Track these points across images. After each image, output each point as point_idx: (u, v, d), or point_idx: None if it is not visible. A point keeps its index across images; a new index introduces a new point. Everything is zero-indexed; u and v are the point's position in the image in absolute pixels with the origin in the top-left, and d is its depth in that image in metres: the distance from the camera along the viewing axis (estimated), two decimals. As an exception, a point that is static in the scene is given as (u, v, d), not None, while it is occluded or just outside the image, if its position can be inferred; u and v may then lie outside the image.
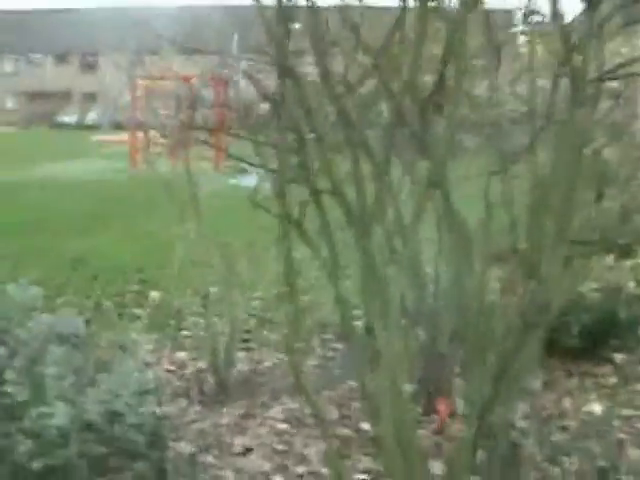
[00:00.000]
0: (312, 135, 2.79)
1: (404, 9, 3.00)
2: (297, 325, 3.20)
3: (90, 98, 67.57)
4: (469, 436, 3.21)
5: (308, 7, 2.71)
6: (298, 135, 2.73)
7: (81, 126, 58.22)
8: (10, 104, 69.30)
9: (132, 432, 2.97)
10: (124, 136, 33.71)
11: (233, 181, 13.00)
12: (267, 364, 5.84)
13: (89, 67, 70.93)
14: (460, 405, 4.60)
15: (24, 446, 2.74)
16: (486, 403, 3.25)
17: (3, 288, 3.78)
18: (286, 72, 2.66)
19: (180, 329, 6.63)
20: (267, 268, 7.24)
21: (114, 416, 2.95)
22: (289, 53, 2.68)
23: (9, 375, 3.10)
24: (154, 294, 7.76)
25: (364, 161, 2.98)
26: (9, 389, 2.90)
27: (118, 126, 46.30)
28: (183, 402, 5.02)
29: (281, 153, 2.80)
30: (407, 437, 3.12)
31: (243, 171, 4.43)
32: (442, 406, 4.58)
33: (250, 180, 4.75)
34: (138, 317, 6.94)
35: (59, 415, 2.76)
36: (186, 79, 23.89)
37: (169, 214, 12.62)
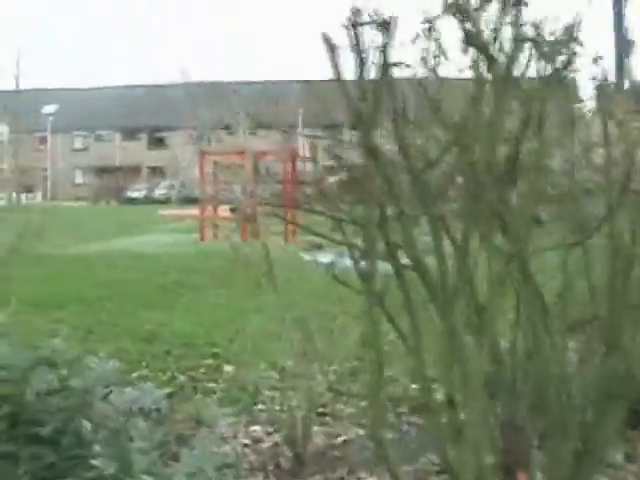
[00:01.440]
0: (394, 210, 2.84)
1: (481, 83, 3.05)
2: (378, 398, 3.20)
3: (158, 173, 68.70)
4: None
5: (387, 81, 2.77)
6: (381, 211, 2.77)
7: (150, 200, 59.09)
8: (79, 179, 70.64)
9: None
10: (191, 211, 34.24)
11: (308, 257, 13.00)
12: (343, 438, 5.82)
13: (157, 142, 72.20)
14: (539, 478, 4.55)
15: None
16: (567, 476, 3.22)
17: (85, 362, 3.84)
18: (371, 150, 2.71)
19: (255, 403, 6.63)
20: (342, 341, 7.24)
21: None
22: (374, 131, 2.73)
23: (95, 449, 3.15)
24: (227, 368, 7.78)
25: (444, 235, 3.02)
26: (97, 462, 2.94)
27: (187, 201, 47.05)
28: (260, 476, 5.02)
29: (367, 229, 2.84)
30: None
31: (315, 247, 4.46)
32: (522, 478, 4.52)
33: (326, 257, 4.79)
34: (213, 391, 6.95)
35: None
36: (255, 154, 24.29)
37: (238, 288, 12.76)
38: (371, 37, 2.90)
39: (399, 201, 2.84)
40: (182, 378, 7.43)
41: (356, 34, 2.76)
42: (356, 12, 2.72)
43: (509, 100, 3.17)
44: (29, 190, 59.33)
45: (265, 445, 5.63)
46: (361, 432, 5.89)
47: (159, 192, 63.76)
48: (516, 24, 2.94)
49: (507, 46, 3.10)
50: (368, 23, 2.71)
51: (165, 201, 54.17)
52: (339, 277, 3.57)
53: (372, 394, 3.26)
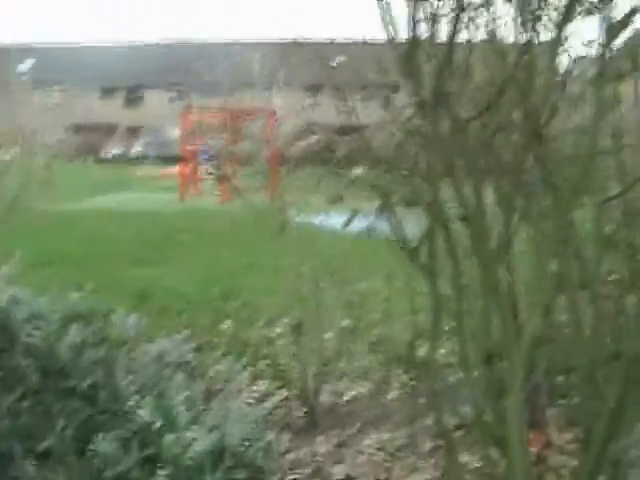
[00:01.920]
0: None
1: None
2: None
3: (134, 132, 68.17)
4: (588, 466, 3.19)
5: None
6: (448, 163, 2.75)
7: (126, 159, 58.59)
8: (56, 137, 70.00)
9: (260, 457, 2.98)
10: (170, 169, 34.04)
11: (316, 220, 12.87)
12: (349, 395, 5.82)
13: (134, 101, 71.59)
14: (555, 436, 4.57)
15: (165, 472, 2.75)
16: (606, 433, 3.22)
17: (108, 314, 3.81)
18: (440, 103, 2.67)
19: (257, 359, 6.61)
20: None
21: (246, 442, 2.96)
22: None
23: (135, 401, 3.12)
24: (227, 324, 7.75)
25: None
26: (142, 414, 2.91)
27: (163, 159, 46.74)
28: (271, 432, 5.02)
29: (433, 186, 2.81)
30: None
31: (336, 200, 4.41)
32: (539, 437, 4.54)
33: (335, 220, 4.75)
34: (215, 346, 6.92)
35: (201, 441, 2.77)
36: (235, 113, 24.17)
37: (226, 245, 12.69)
38: None
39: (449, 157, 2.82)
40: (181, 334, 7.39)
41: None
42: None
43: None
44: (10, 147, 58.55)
45: (273, 401, 5.62)
46: (363, 390, 5.92)
47: (135, 150, 63.26)
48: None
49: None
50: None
51: (141, 159, 53.73)
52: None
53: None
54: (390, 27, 2.85)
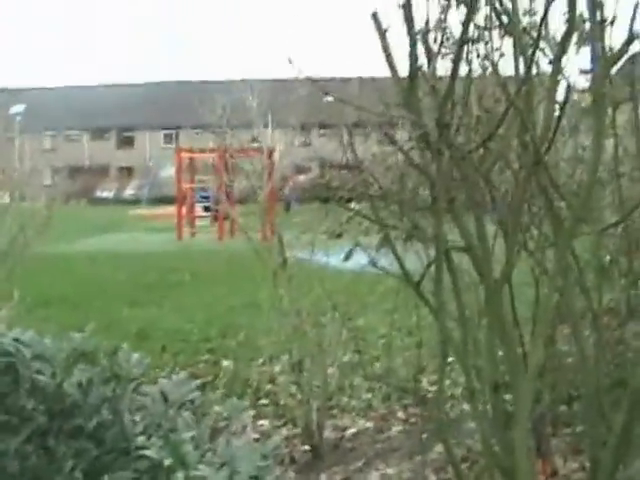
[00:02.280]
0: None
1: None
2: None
3: (127, 173, 68.34)
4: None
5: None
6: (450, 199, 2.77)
7: (119, 200, 58.71)
8: (49, 180, 69.98)
9: (270, 496, 2.96)
10: (162, 210, 34.10)
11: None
12: (352, 430, 5.81)
13: (126, 142, 71.82)
14: (560, 465, 4.57)
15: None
16: (613, 461, 3.22)
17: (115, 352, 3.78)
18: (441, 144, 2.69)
19: (258, 398, 6.61)
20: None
21: (254, 478, 2.95)
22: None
23: (139, 440, 3.10)
24: (225, 363, 7.75)
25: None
26: (151, 453, 2.90)
27: (156, 200, 46.82)
28: (277, 469, 4.99)
29: (438, 219, 2.83)
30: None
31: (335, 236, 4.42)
32: (544, 466, 4.53)
33: (334, 257, 4.76)
34: (215, 387, 6.92)
35: (210, 478, 2.76)
36: (231, 151, 24.19)
37: (223, 284, 12.67)
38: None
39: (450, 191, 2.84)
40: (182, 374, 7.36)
41: (409, 12, 2.74)
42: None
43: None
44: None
45: (276, 439, 5.60)
46: (367, 425, 5.91)
47: (128, 192, 63.37)
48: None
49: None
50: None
51: (134, 201, 53.84)
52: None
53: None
54: (391, 61, 2.88)
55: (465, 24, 2.72)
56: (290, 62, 2.82)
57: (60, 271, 15.85)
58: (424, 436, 5.35)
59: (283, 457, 5.18)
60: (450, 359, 3.56)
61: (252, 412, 6.22)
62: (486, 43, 3.06)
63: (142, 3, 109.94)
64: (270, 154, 23.59)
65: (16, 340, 3.51)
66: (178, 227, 25.38)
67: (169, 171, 39.59)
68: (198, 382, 3.85)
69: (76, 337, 3.74)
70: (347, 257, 3.82)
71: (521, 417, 2.97)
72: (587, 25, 3.24)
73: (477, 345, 3.23)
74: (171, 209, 29.21)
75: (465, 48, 2.99)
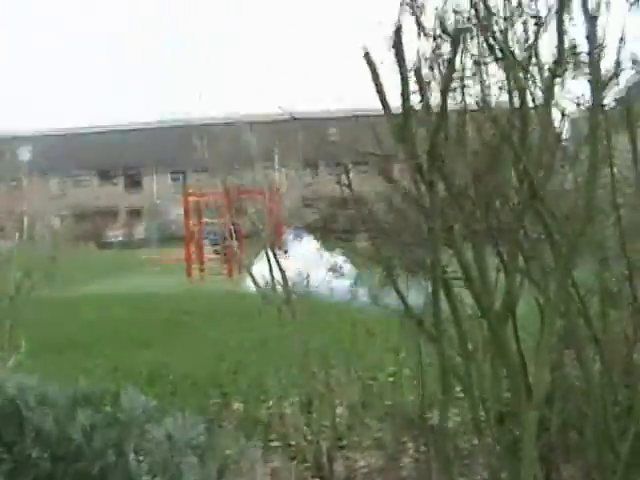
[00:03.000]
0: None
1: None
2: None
3: (136, 215, 68.51)
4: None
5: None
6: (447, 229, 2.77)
7: (128, 243, 58.80)
8: (57, 224, 70.11)
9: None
10: (172, 253, 34.15)
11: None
12: (363, 468, 5.77)
13: (134, 185, 72.07)
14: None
15: None
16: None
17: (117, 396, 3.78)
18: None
19: (269, 440, 6.56)
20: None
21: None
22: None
23: (145, 482, 3.10)
24: (237, 405, 7.70)
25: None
26: (155, 498, 2.90)
27: (166, 242, 46.90)
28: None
29: (433, 249, 2.83)
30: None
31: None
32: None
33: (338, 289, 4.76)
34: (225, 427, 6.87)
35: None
36: (236, 192, 24.27)
37: (233, 323, 12.64)
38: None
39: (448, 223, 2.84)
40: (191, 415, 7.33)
41: (401, 52, 2.76)
42: (399, 29, 2.72)
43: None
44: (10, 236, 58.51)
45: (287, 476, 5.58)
46: (378, 461, 5.87)
47: (137, 235, 63.53)
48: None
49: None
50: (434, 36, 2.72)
51: (144, 243, 53.91)
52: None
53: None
54: (384, 99, 2.89)
55: (451, 60, 2.73)
56: (281, 108, 2.83)
57: (69, 315, 15.85)
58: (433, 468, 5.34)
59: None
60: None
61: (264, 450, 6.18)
62: (474, 75, 3.07)
63: (140, 44, 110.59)
64: (274, 193, 23.65)
65: (20, 385, 3.51)
66: (188, 268, 25.39)
67: (177, 211, 39.70)
68: (204, 424, 3.86)
69: (80, 381, 3.74)
70: (352, 297, 3.83)
71: (527, 446, 2.96)
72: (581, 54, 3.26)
73: (481, 376, 3.22)
74: (179, 252, 29.27)
75: (458, 81, 3.00)
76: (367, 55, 2.83)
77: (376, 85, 2.85)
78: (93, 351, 11.50)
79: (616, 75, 2.92)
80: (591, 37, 2.89)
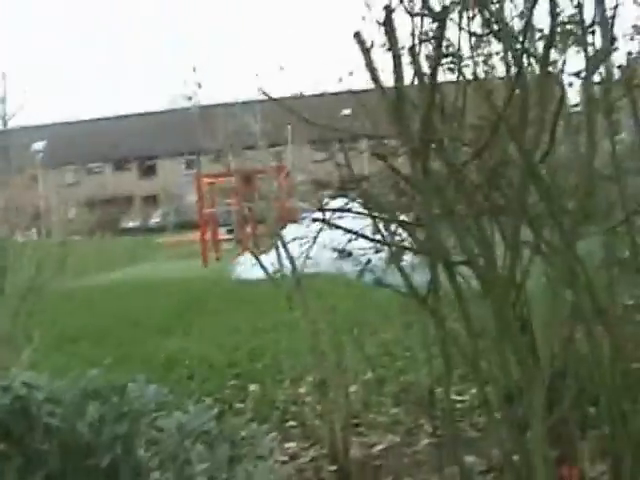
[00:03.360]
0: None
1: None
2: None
3: (151, 201, 68.64)
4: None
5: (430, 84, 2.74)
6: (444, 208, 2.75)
7: (145, 230, 58.99)
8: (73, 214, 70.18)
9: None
10: (187, 236, 34.22)
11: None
12: (380, 447, 5.76)
13: (148, 171, 72.18)
14: (588, 470, 4.50)
15: None
16: (634, 463, 3.18)
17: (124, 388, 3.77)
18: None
19: (285, 420, 6.58)
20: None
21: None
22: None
23: (154, 476, 3.10)
24: (252, 387, 7.73)
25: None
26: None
27: (182, 226, 47.02)
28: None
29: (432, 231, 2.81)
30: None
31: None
32: (572, 472, 4.46)
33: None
34: (241, 411, 6.89)
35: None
36: (246, 174, 24.28)
37: (249, 307, 12.66)
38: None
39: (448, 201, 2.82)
40: (208, 401, 7.36)
41: (392, 31, 2.73)
42: (390, 9, 2.69)
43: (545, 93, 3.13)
44: (26, 229, 58.71)
45: (303, 460, 5.58)
46: (397, 439, 5.87)
47: (153, 220, 63.75)
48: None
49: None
50: (421, 14, 2.69)
51: (160, 229, 54.06)
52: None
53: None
54: (376, 77, 2.86)
55: (439, 36, 2.70)
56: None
57: (86, 305, 15.89)
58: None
59: (310, 478, 5.17)
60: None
61: (281, 434, 6.19)
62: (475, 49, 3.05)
63: (152, 31, 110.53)
64: (282, 172, 23.60)
65: (29, 383, 3.51)
66: (203, 253, 25.41)
67: (193, 197, 39.73)
68: (215, 411, 3.85)
69: (90, 374, 3.73)
70: (360, 276, 3.81)
71: (535, 423, 2.94)
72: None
73: (489, 354, 3.20)
74: (194, 235, 29.29)
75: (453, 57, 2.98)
76: (357, 34, 2.80)
77: (368, 64, 2.83)
78: (109, 340, 11.53)
79: (608, 52, 2.89)
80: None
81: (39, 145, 67.09)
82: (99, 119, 73.09)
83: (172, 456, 3.27)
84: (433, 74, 2.74)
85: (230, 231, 28.63)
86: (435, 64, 2.72)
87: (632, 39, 3.21)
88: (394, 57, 2.78)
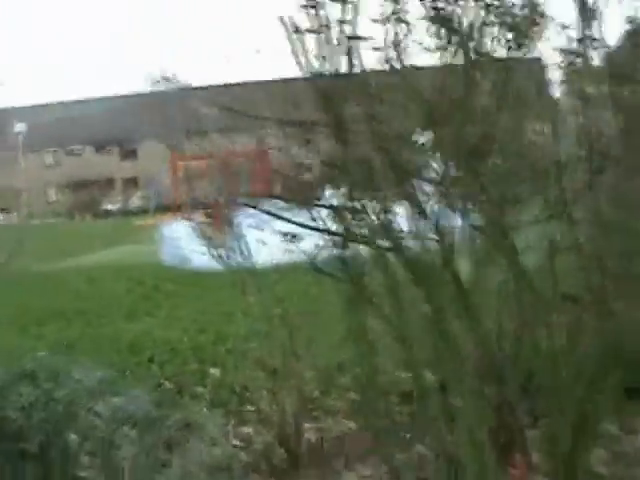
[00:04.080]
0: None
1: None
2: (370, 389, 3.15)
3: (132, 184, 68.44)
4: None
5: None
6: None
7: (125, 212, 58.84)
8: (54, 196, 69.97)
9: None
10: (166, 218, 34.07)
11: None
12: (334, 433, 5.75)
13: (129, 154, 71.91)
14: (535, 457, 4.50)
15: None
16: (566, 453, 3.18)
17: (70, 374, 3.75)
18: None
19: (242, 404, 6.55)
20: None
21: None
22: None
23: (83, 461, 3.08)
24: (213, 371, 7.70)
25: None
26: (83, 474, 2.87)
27: (163, 209, 46.84)
28: (255, 476, 4.96)
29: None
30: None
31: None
32: (518, 459, 4.46)
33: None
34: (200, 395, 6.87)
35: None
36: (224, 156, 24.18)
37: (219, 291, 12.64)
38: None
39: (375, 183, 2.79)
40: (168, 384, 7.32)
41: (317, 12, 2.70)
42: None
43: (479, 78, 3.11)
44: (5, 211, 58.65)
45: (256, 445, 5.56)
46: (352, 425, 5.85)
47: (134, 203, 63.52)
48: None
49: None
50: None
51: (141, 211, 53.85)
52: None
53: (362, 386, 3.22)
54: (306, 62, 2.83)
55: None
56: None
57: (57, 288, 15.83)
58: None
59: (260, 464, 5.15)
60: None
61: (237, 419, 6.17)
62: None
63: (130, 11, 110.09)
64: (263, 155, 23.55)
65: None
66: (178, 235, 25.28)
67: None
68: (148, 398, 3.83)
69: (34, 357, 3.71)
70: (314, 259, 3.78)
71: (465, 412, 2.93)
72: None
73: (423, 343, 3.18)
74: (170, 217, 29.14)
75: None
76: (282, 19, 2.76)
77: (293, 50, 2.79)
78: (76, 322, 11.49)
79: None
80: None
81: (21, 127, 66.74)
82: (80, 101, 72.70)
83: (104, 441, 3.25)
84: (349, 56, 2.71)
85: (207, 215, 28.50)
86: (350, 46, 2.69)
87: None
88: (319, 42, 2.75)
